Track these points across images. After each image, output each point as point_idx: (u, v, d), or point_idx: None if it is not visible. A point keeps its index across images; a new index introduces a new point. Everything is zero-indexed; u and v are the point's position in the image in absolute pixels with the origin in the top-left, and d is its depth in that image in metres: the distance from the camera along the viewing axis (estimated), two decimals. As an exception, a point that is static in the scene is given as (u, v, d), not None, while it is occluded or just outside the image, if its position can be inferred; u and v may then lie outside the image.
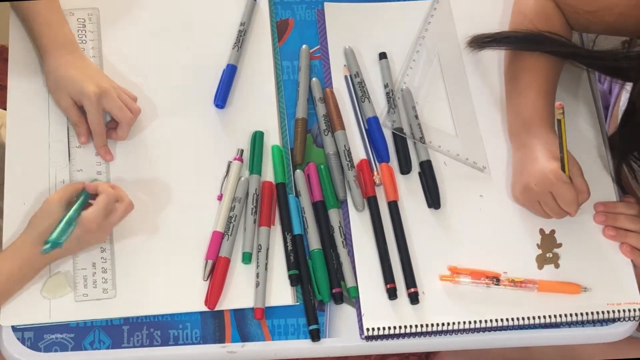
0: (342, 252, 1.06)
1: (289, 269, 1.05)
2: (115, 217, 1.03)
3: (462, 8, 1.23)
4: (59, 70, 1.09)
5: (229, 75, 1.15)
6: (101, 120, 1.08)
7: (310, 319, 1.03)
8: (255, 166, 1.10)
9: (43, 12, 1.11)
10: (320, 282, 1.05)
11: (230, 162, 1.11)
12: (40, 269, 1.02)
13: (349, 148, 1.12)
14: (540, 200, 1.06)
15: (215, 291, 1.03)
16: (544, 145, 1.06)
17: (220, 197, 1.09)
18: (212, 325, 1.03)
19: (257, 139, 1.11)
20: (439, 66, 1.19)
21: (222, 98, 1.13)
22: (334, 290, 1.05)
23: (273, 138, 1.13)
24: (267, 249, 1.06)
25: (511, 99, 1.13)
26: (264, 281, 1.04)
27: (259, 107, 1.15)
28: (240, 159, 1.11)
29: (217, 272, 1.04)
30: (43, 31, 1.10)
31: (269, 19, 1.20)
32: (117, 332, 1.02)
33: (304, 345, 1.04)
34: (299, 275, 1.05)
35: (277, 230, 1.08)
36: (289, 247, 1.06)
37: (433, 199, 1.10)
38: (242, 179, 1.09)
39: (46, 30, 1.10)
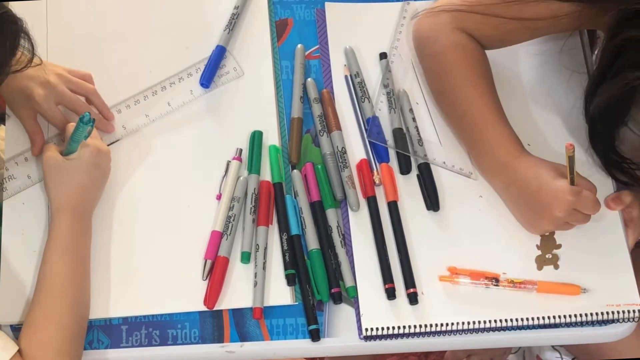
0: (341, 251, 1.06)
1: (285, 268, 1.05)
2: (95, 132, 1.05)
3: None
4: (6, 92, 1.07)
5: (217, 56, 1.15)
6: (60, 117, 1.07)
7: (310, 319, 1.03)
8: (254, 166, 1.10)
9: None
10: (319, 282, 1.05)
11: (229, 161, 1.11)
12: (91, 230, 1.03)
13: (343, 148, 1.11)
14: (570, 219, 1.04)
15: (214, 291, 1.03)
16: (536, 170, 1.04)
17: (219, 197, 1.09)
18: (211, 325, 1.03)
19: (256, 138, 1.11)
20: (414, 74, 1.18)
21: (207, 78, 1.14)
22: (332, 290, 1.05)
23: (272, 138, 1.13)
24: (265, 249, 1.06)
25: (470, 141, 1.11)
26: (262, 281, 1.04)
27: (259, 107, 1.15)
28: (239, 159, 1.11)
29: (216, 271, 1.04)
30: None
31: (267, 19, 1.20)
32: (116, 331, 1.02)
33: (303, 345, 1.04)
34: (295, 275, 1.05)
35: (275, 230, 1.08)
36: (284, 247, 1.06)
37: (432, 201, 1.09)
38: (241, 178, 1.09)
39: None
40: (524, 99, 1.16)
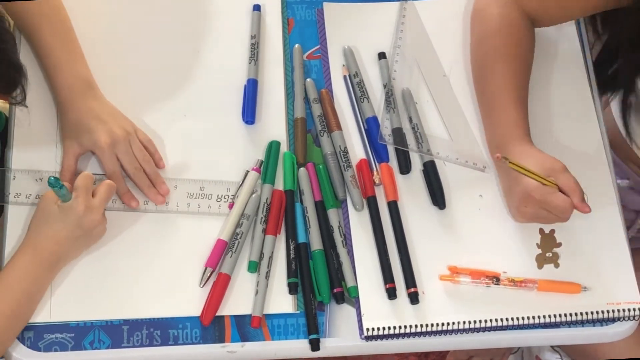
0: (342, 251, 1.06)
1: (288, 277, 1.05)
2: (100, 194, 1.02)
3: (427, 7, 1.23)
4: (71, 117, 1.06)
5: (253, 90, 1.14)
6: (116, 170, 1.05)
7: (311, 328, 1.03)
8: (269, 175, 1.09)
9: (55, 51, 1.07)
10: (321, 283, 1.04)
11: (248, 171, 1.10)
12: (49, 281, 1.01)
13: (345, 148, 1.12)
14: (538, 216, 1.05)
15: (211, 308, 1.02)
16: (521, 160, 1.03)
17: (231, 206, 1.08)
18: (212, 325, 1.03)
19: (273, 148, 1.11)
20: (419, 73, 1.18)
21: (250, 114, 1.13)
22: (335, 290, 1.05)
23: (281, 140, 1.13)
24: (270, 258, 1.05)
25: (483, 115, 1.13)
26: (263, 289, 1.03)
27: (269, 112, 1.15)
28: (259, 170, 1.10)
29: (215, 288, 1.03)
30: (56, 75, 1.07)
31: (279, 23, 1.20)
32: (117, 331, 1.02)
33: (304, 345, 1.04)
34: (296, 284, 1.04)
35: (281, 239, 1.07)
36: (292, 255, 1.05)
37: (438, 199, 1.10)
38: (254, 195, 1.08)
39: (59, 74, 1.07)
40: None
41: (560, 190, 1.02)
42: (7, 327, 0.98)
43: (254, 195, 1.08)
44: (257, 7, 1.20)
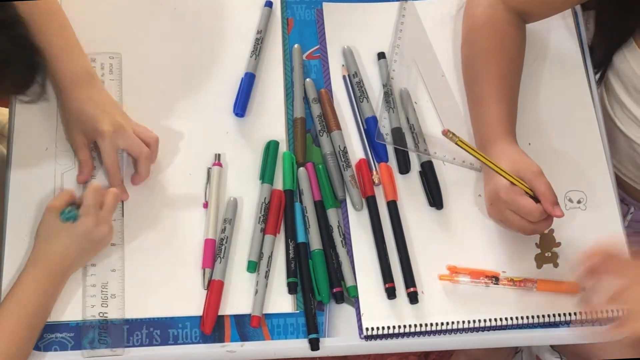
0: (342, 251, 1.06)
1: (288, 276, 1.05)
2: (108, 205, 1.02)
3: (426, 7, 1.23)
4: (73, 106, 1.05)
5: (248, 83, 1.15)
6: (116, 160, 1.05)
7: (311, 327, 1.03)
8: (268, 175, 1.09)
9: (54, 42, 1.05)
10: (320, 283, 1.05)
11: (210, 168, 1.10)
12: (59, 290, 1.01)
13: (344, 148, 1.12)
14: (503, 217, 1.04)
15: (211, 315, 1.02)
16: (500, 159, 1.03)
17: (205, 205, 1.08)
18: (212, 324, 1.04)
19: (271, 148, 1.11)
20: (418, 73, 1.18)
21: (241, 107, 1.13)
22: (334, 290, 1.05)
23: (280, 140, 1.13)
24: (269, 257, 1.05)
25: (471, 110, 1.13)
26: (263, 289, 1.03)
27: (269, 112, 1.15)
28: (220, 164, 1.10)
29: (211, 295, 1.03)
30: (56, 66, 1.05)
31: (279, 23, 1.20)
32: (117, 331, 1.02)
33: (304, 345, 1.04)
34: (296, 284, 1.04)
35: (280, 239, 1.08)
36: (291, 255, 1.06)
37: (436, 199, 1.10)
38: (232, 199, 1.08)
39: (59, 65, 1.05)
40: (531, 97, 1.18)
41: (534, 196, 1.01)
42: (26, 340, 0.98)
43: (231, 199, 1.08)
44: (268, 4, 1.20)
